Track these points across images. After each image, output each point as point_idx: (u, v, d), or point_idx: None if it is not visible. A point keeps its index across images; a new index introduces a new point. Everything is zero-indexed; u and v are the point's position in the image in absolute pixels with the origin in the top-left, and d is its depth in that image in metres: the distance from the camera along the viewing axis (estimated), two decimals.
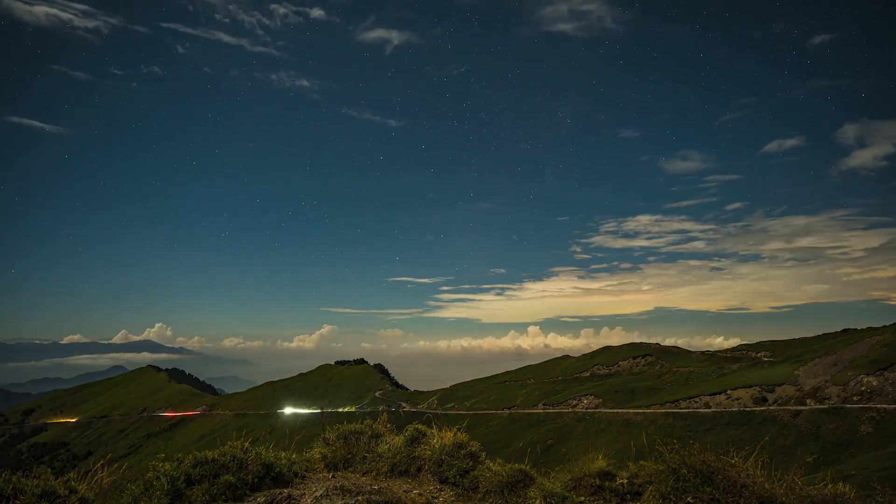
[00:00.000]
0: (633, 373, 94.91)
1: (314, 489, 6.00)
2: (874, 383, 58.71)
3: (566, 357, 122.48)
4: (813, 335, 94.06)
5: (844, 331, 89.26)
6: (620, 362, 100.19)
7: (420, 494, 6.18)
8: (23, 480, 5.36)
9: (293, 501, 5.71)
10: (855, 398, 57.79)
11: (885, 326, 78.18)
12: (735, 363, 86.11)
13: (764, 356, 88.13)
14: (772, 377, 69.63)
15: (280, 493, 5.86)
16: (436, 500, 6.13)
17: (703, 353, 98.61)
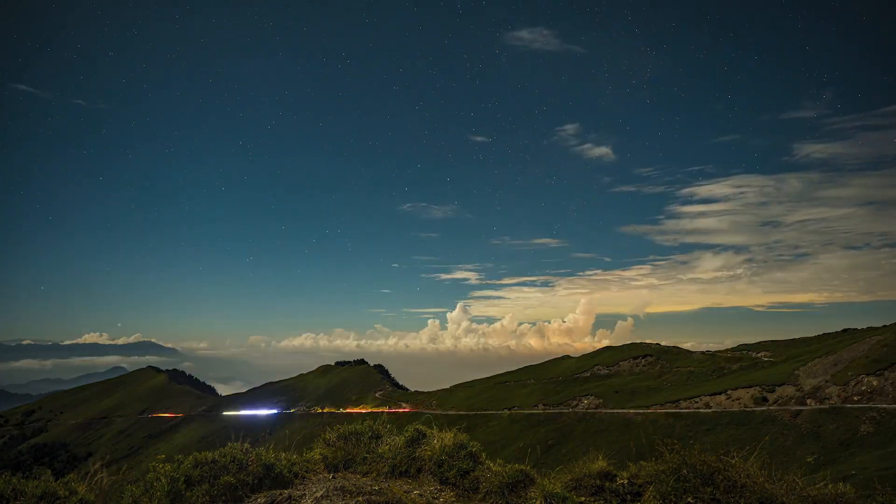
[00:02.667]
0: (633, 373, 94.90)
1: (314, 490, 6.00)
2: (874, 383, 58.72)
3: (566, 357, 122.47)
4: (813, 335, 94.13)
5: (844, 331, 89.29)
6: (621, 362, 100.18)
7: (420, 495, 6.18)
8: (23, 481, 5.36)
9: (293, 502, 5.71)
10: (855, 398, 57.81)
11: (885, 326, 78.21)
12: (735, 363, 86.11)
13: (764, 356, 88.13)
14: (772, 377, 69.65)
15: (280, 494, 5.87)
16: (436, 501, 6.13)
17: (703, 353, 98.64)
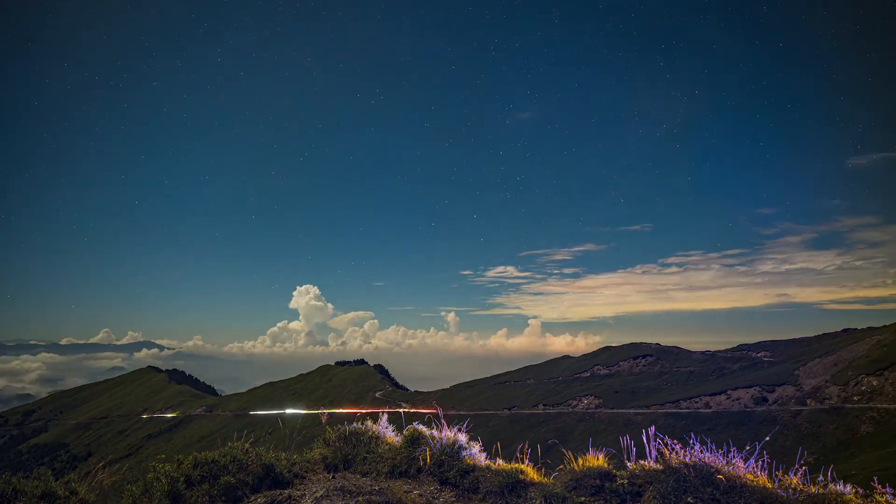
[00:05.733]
0: (633, 373, 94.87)
1: (314, 490, 6.00)
2: (874, 383, 58.69)
3: (566, 357, 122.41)
4: (813, 335, 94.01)
5: (844, 331, 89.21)
6: (621, 362, 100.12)
7: (420, 495, 6.18)
8: (23, 482, 5.36)
9: (293, 502, 5.72)
10: (855, 398, 57.78)
11: (885, 326, 78.19)
12: (735, 363, 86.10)
13: (764, 356, 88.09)
14: (772, 377, 69.63)
15: (280, 494, 5.87)
16: (436, 501, 6.13)
17: (703, 353, 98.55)
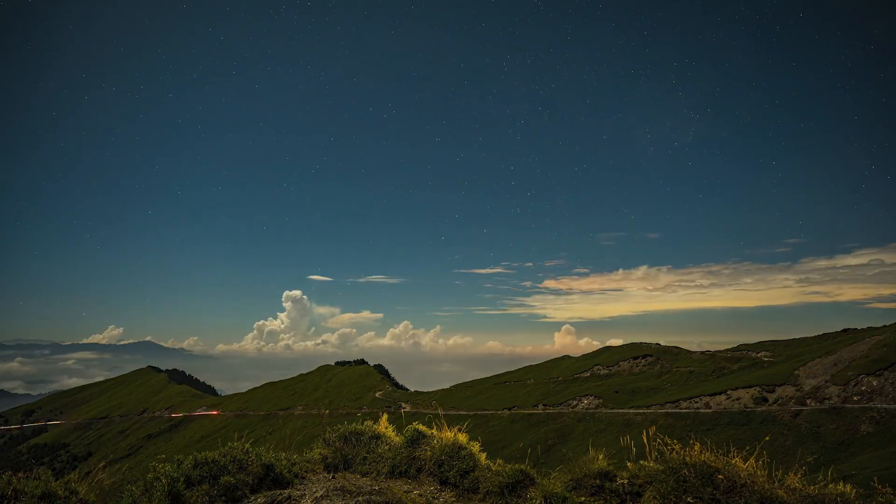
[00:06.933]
0: (633, 373, 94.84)
1: (314, 490, 6.00)
2: (874, 383, 58.68)
3: (566, 357, 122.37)
4: (813, 335, 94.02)
5: (844, 331, 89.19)
6: (620, 362, 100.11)
7: (420, 495, 6.18)
8: (23, 482, 5.36)
9: (293, 502, 5.71)
10: (855, 398, 57.77)
11: (885, 326, 78.18)
12: (735, 363, 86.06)
13: (764, 356, 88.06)
14: (772, 377, 69.59)
15: (280, 494, 5.86)
16: (436, 501, 6.13)
17: (703, 353, 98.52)
